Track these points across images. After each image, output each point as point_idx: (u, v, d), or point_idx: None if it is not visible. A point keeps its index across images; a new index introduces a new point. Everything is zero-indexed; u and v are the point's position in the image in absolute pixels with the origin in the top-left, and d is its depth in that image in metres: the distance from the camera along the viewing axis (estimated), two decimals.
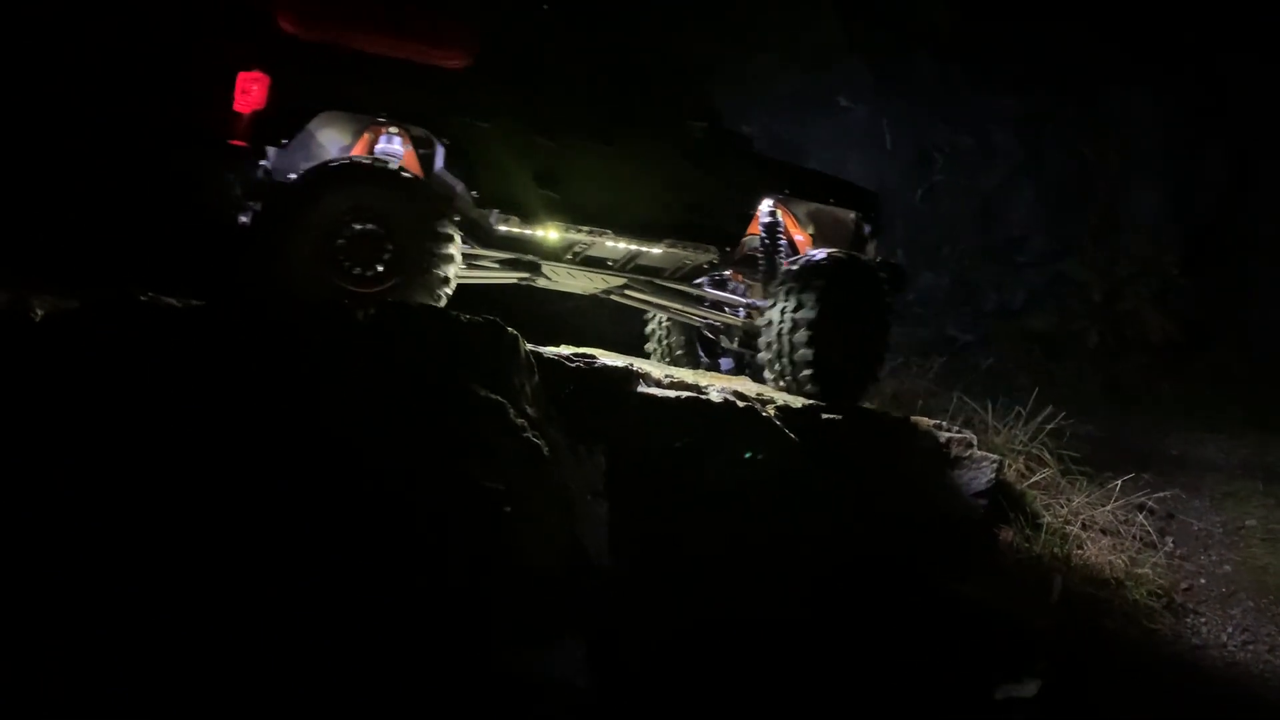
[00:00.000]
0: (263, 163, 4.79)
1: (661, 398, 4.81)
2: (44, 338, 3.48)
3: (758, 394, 5.49)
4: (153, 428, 3.38)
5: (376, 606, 3.44)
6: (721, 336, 6.58)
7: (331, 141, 5.03)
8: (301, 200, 4.63)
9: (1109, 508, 6.98)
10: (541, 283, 5.82)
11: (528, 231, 5.31)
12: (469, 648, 3.58)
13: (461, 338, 4.02)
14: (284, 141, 4.74)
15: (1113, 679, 5.40)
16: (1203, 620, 6.29)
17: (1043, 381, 9.11)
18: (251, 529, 3.36)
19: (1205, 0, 11.98)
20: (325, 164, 4.75)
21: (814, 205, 6.26)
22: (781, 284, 5.76)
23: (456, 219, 5.00)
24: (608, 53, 5.79)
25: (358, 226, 4.67)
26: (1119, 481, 7.14)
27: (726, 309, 6.25)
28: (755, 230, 6.10)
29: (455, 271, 4.90)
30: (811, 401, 5.57)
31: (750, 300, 6.19)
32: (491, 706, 3.53)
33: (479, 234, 5.24)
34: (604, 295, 6.15)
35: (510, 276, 5.64)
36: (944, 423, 6.57)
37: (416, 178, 4.95)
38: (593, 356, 4.88)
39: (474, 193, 5.12)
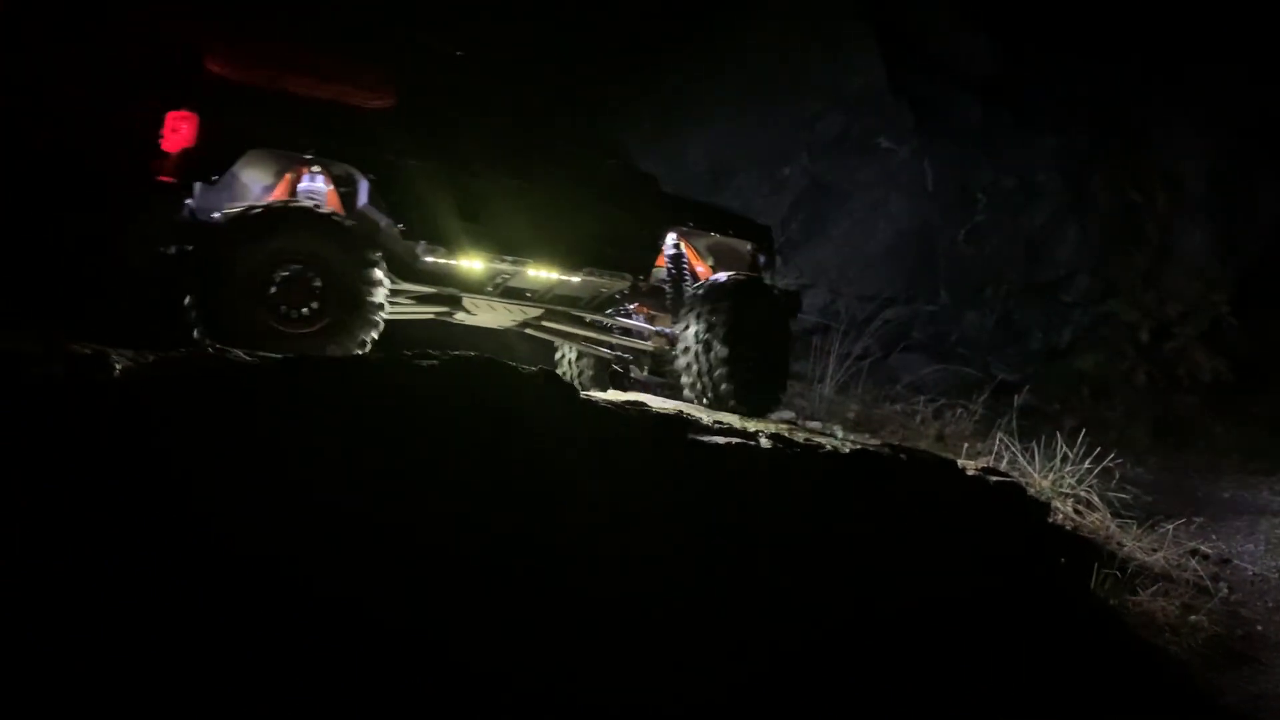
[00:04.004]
0: (187, 202, 4.87)
1: (713, 444, 4.87)
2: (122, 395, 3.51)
3: (805, 439, 5.53)
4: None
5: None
6: (631, 366, 6.77)
7: (254, 180, 5.15)
8: (236, 242, 4.74)
9: (1161, 553, 6.90)
10: (459, 317, 5.99)
11: (454, 262, 5.51)
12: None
13: (517, 388, 4.14)
14: (214, 178, 4.88)
15: None
16: (1261, 669, 6.18)
17: (1091, 422, 9.04)
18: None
19: (1253, 36, 11.93)
20: (254, 207, 4.86)
21: (714, 238, 6.67)
22: (691, 307, 6.12)
23: (380, 254, 5.11)
24: (525, 95, 6.18)
25: (290, 269, 4.79)
26: (1171, 526, 7.06)
27: (636, 338, 6.52)
28: (661, 263, 6.46)
29: (384, 308, 5.03)
30: (860, 444, 5.60)
31: (658, 328, 6.46)
32: None
33: (402, 268, 5.39)
34: (519, 328, 6.39)
35: (429, 311, 5.82)
36: (990, 463, 6.56)
37: (345, 219, 5.08)
38: (642, 403, 4.97)
39: (400, 226, 5.30)
